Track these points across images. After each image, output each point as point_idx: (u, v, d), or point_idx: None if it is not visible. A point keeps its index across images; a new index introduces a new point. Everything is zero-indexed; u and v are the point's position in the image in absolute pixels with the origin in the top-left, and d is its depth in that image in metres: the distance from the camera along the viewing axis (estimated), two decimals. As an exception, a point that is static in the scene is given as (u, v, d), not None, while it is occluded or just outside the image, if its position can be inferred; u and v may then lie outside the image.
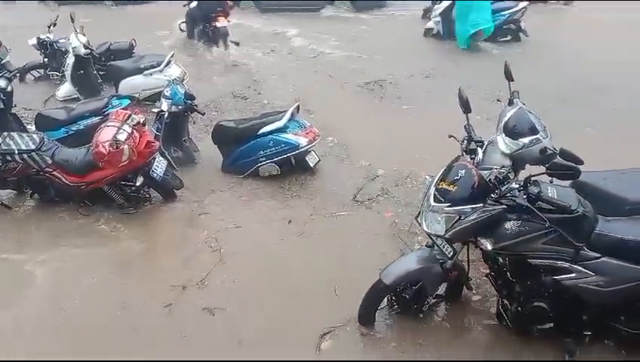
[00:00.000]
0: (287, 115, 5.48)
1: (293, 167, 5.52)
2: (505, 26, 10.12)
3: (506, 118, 3.85)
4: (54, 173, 4.82)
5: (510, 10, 10.14)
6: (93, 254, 4.34)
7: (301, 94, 7.60)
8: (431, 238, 3.22)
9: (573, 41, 10.05)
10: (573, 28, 11.59)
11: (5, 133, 4.96)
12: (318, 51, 10.49)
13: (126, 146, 4.57)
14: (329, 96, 7.87)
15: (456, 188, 2.99)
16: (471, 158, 3.42)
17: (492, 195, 2.93)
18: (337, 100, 7.73)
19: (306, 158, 5.51)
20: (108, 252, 4.38)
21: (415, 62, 9.43)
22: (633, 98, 7.34)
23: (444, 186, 3.03)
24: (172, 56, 7.44)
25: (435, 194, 3.04)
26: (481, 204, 2.91)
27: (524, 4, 10.16)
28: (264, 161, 5.45)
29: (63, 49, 8.03)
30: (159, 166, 4.96)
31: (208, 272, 4.01)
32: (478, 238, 2.97)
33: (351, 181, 5.37)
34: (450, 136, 3.59)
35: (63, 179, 4.81)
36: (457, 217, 2.95)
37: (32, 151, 4.80)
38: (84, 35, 7.63)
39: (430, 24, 10.91)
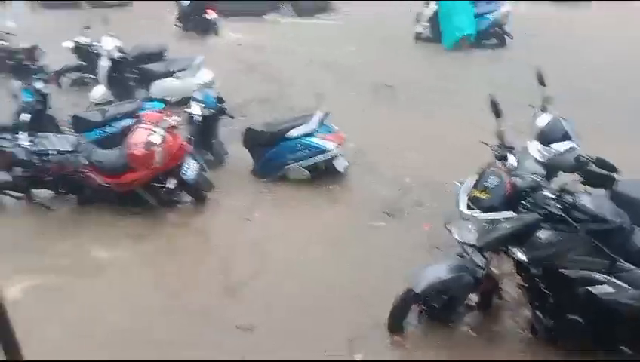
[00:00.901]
0: (316, 119, 5.50)
1: (323, 171, 5.54)
2: (490, 30, 10.26)
3: (539, 125, 3.81)
4: (89, 173, 4.94)
5: (493, 14, 10.23)
6: (128, 256, 4.42)
7: (315, 97, 7.65)
8: (462, 246, 3.19)
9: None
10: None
11: (42, 134, 5.10)
12: (310, 52, 10.58)
13: (158, 149, 4.66)
14: (341, 98, 7.75)
15: (488, 195, 2.96)
16: (503, 165, 3.37)
17: (525, 204, 2.89)
18: (352, 104, 7.64)
19: (335, 163, 5.52)
20: (143, 254, 4.45)
21: (414, 66, 9.57)
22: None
23: (476, 194, 3.00)
24: (202, 60, 7.55)
25: (466, 202, 3.01)
26: (514, 213, 2.87)
27: (508, 8, 10.25)
28: (293, 164, 5.49)
29: (98, 52, 8.21)
30: (190, 168, 5.03)
31: (242, 278, 4.03)
32: (511, 248, 2.93)
33: (380, 189, 5.33)
34: (481, 142, 3.54)
35: (98, 180, 4.92)
36: (489, 225, 2.92)
37: (69, 152, 4.93)
38: (117, 38, 7.80)
39: (419, 28, 11.07)
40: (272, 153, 5.56)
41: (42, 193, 5.27)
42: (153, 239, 4.68)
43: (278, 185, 5.51)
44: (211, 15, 12.51)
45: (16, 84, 5.48)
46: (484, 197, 2.96)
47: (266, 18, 14.48)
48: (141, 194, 4.99)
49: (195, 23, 12.61)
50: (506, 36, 10.41)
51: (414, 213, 4.90)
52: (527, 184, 2.93)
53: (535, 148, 3.74)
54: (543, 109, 4.23)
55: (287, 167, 5.50)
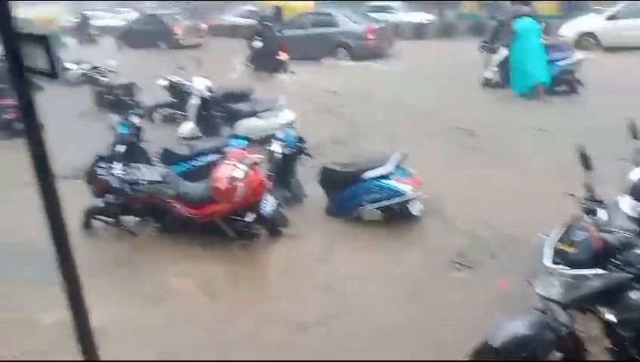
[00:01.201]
0: (392, 162, 5.52)
1: (397, 214, 5.50)
2: (561, 77, 10.04)
3: (632, 179, 3.60)
4: (175, 204, 5.20)
5: (566, 61, 10.05)
6: (203, 286, 4.56)
7: (389, 138, 7.80)
8: (544, 302, 3.03)
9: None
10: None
11: (135, 165, 5.47)
12: (378, 94, 10.76)
13: (241, 183, 4.85)
14: (415, 141, 7.75)
15: (575, 250, 2.81)
16: (592, 219, 3.21)
17: (615, 261, 2.72)
18: (426, 147, 7.53)
19: (410, 206, 5.47)
20: (217, 285, 4.59)
21: (486, 111, 9.41)
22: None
23: (562, 247, 2.86)
24: (284, 101, 7.85)
25: (551, 255, 2.88)
26: (603, 270, 2.71)
27: (580, 56, 10.13)
28: (367, 205, 5.49)
29: (189, 91, 8.77)
30: (268, 204, 5.18)
31: (316, 316, 4.04)
32: (598, 307, 2.75)
33: (455, 238, 5.14)
34: (568, 194, 3.39)
35: (182, 210, 5.17)
36: (576, 282, 2.77)
37: (158, 182, 5.24)
38: (208, 78, 8.30)
39: (488, 73, 11.01)
40: (348, 193, 5.61)
41: (129, 219, 5.60)
42: (228, 270, 4.83)
43: (352, 225, 5.52)
44: (283, 56, 13.43)
45: (115, 117, 5.94)
46: (570, 251, 2.82)
47: (323, 62, 15.01)
48: (220, 225, 5.18)
49: (266, 63, 13.52)
50: (578, 85, 10.15)
51: (489, 266, 4.66)
52: (618, 240, 2.76)
53: (627, 204, 3.52)
54: (637, 163, 4.01)
55: (361, 208, 5.52)
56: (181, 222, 5.27)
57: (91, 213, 5.60)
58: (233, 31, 21.96)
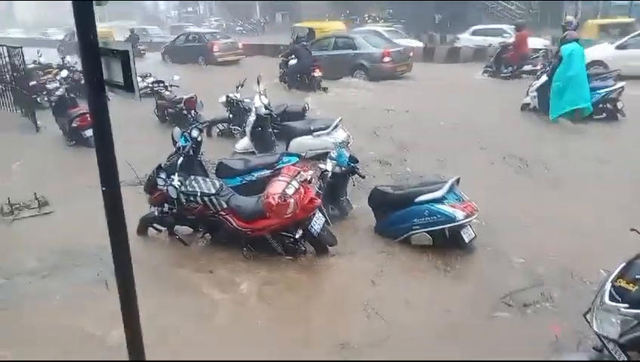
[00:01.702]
0: (447, 186, 5.43)
1: (447, 239, 5.41)
2: (600, 105, 10.02)
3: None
4: (227, 216, 5.33)
5: (607, 89, 9.99)
6: (249, 300, 4.64)
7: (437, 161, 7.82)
8: (601, 340, 2.90)
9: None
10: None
11: (192, 177, 5.65)
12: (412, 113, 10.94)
13: (292, 200, 4.92)
14: (464, 165, 7.59)
15: (637, 288, 2.69)
16: (656, 257, 3.06)
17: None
18: (476, 172, 7.27)
19: (462, 232, 5.36)
20: (262, 300, 4.64)
21: (524, 137, 9.21)
22: None
23: (623, 284, 2.75)
24: (340, 121, 7.92)
25: (610, 292, 2.77)
26: (668, 311, 2.58)
27: (622, 83, 9.98)
28: (418, 229, 5.43)
29: (247, 108, 9.01)
30: (318, 222, 5.21)
31: (362, 338, 4.01)
32: (661, 350, 2.62)
33: (505, 273, 4.94)
34: (632, 230, 3.26)
35: (234, 223, 5.29)
36: (636, 321, 2.65)
37: (212, 195, 5.38)
38: (266, 96, 8.51)
39: (527, 99, 10.97)
40: (398, 216, 5.55)
41: (181, 229, 5.79)
42: (274, 285, 4.85)
43: (399, 247, 5.45)
44: (317, 74, 14.19)
45: (177, 130, 6.18)
46: (632, 289, 2.70)
47: (343, 81, 15.65)
48: (269, 240, 5.26)
49: (301, 80, 14.27)
50: (619, 113, 10.07)
51: (542, 308, 4.37)
52: (684, 281, 2.63)
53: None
54: None
55: (411, 231, 5.46)
56: (231, 235, 5.38)
57: (147, 221, 5.82)
58: (264, 49, 23.82)
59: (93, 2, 2.52)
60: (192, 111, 10.51)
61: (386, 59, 15.86)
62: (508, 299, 4.45)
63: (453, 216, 5.28)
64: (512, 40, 15.90)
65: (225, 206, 5.34)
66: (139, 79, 13.61)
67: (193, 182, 5.52)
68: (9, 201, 6.67)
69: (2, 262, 5.28)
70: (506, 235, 5.60)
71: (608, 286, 2.83)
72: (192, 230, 5.83)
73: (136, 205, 5.65)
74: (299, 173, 5.16)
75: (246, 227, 5.23)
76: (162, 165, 5.74)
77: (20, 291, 4.83)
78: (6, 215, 6.56)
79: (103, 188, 2.68)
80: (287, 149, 7.73)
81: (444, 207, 5.35)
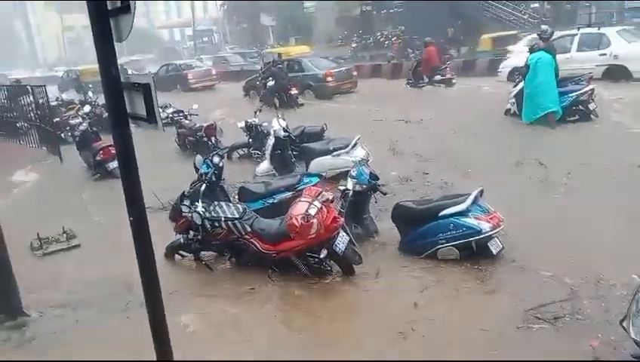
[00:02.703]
0: (470, 199, 5.38)
1: (474, 252, 5.34)
2: (573, 107, 10.52)
3: None
4: (251, 240, 5.36)
5: (577, 92, 10.48)
6: (275, 323, 4.64)
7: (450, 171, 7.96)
8: (639, 347, 2.82)
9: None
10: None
11: (215, 202, 5.71)
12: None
13: (315, 220, 4.92)
14: (479, 174, 7.60)
15: (674, 292, 2.62)
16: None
17: None
18: (492, 182, 6.96)
19: (489, 244, 5.28)
20: (288, 322, 4.64)
21: (526, 143, 9.43)
22: None
23: (660, 289, 2.68)
24: (358, 139, 7.95)
25: (647, 297, 2.70)
26: None
27: (592, 86, 10.54)
28: (444, 243, 5.37)
29: (266, 131, 9.12)
30: (342, 241, 5.19)
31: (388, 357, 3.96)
32: None
33: (534, 285, 4.78)
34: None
35: (258, 246, 5.31)
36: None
37: (236, 219, 5.43)
38: (284, 120, 8.61)
39: (508, 105, 11.62)
40: (423, 231, 5.50)
41: (207, 254, 5.83)
42: (302, 306, 4.86)
43: (426, 263, 5.38)
44: (294, 92, 15.73)
45: (199, 158, 6.26)
46: (669, 293, 2.63)
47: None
48: (294, 261, 5.26)
49: (279, 99, 14.75)
50: (592, 114, 10.53)
51: (574, 322, 4.18)
52: None
53: None
54: None
55: (437, 246, 5.40)
56: (257, 258, 5.40)
57: (173, 249, 5.89)
58: (237, 75, 24.93)
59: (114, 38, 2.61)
60: (213, 138, 10.66)
61: (329, 78, 17.59)
62: (537, 313, 4.31)
63: (479, 229, 5.22)
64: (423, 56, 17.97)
65: (249, 229, 5.37)
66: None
67: (217, 208, 5.58)
68: (38, 236, 6.81)
69: (35, 295, 5.36)
70: (534, 242, 5.49)
71: (644, 291, 2.76)
72: (217, 254, 5.87)
73: (161, 232, 5.75)
74: (320, 193, 5.18)
75: (270, 249, 5.25)
76: (186, 192, 5.83)
77: (52, 324, 4.90)
78: (36, 249, 6.69)
79: (131, 219, 2.74)
80: (307, 170, 7.77)
81: (470, 220, 5.29)
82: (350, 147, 7.85)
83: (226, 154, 8.05)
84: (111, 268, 5.71)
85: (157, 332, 2.94)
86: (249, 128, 9.76)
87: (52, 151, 12.11)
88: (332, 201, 5.30)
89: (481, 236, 5.21)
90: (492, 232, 5.22)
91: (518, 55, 16.40)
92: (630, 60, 13.69)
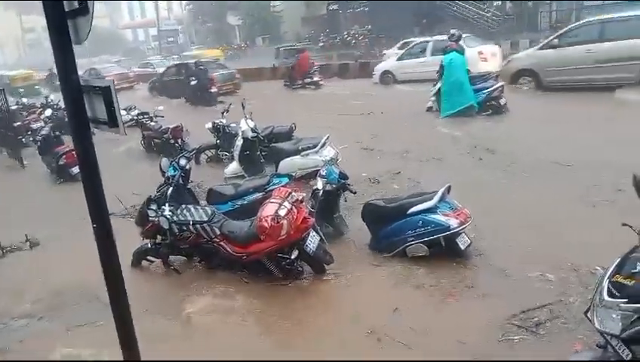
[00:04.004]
0: (438, 196, 5.44)
1: (443, 249, 5.41)
2: (487, 103, 11.59)
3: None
4: (221, 243, 5.30)
5: (489, 89, 11.57)
6: (251, 322, 4.61)
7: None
8: (604, 337, 2.90)
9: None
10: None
11: (183, 206, 5.62)
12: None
13: (285, 221, 4.90)
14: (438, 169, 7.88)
15: (634, 282, 2.70)
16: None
17: (680, 293, 2.60)
18: (450, 175, 7.20)
19: (457, 241, 5.36)
20: (258, 324, 4.61)
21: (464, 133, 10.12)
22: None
23: (620, 280, 2.76)
24: (327, 138, 7.95)
25: (609, 288, 2.77)
26: (667, 303, 2.59)
27: (501, 83, 11.73)
28: (412, 240, 5.41)
29: (233, 132, 9.04)
30: (312, 241, 5.19)
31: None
32: (664, 342, 2.62)
33: (506, 286, 4.72)
34: (623, 225, 3.27)
35: (228, 249, 5.26)
36: (636, 316, 2.65)
37: (205, 222, 5.36)
38: (252, 120, 8.54)
39: (429, 103, 12.66)
40: (392, 229, 5.54)
41: (176, 258, 5.73)
42: (270, 307, 4.80)
43: (395, 260, 5.42)
44: (213, 90, 17.57)
45: (165, 160, 6.16)
46: (630, 284, 2.71)
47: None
48: (265, 263, 5.23)
49: (201, 97, 17.11)
50: (503, 108, 11.63)
51: (553, 327, 4.06)
52: (681, 271, 2.64)
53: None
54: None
55: (407, 243, 5.44)
56: (226, 260, 5.35)
57: (141, 255, 5.77)
58: (151, 76, 25.21)
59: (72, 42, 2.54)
60: (179, 140, 10.51)
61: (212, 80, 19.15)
62: (514, 321, 4.19)
63: (448, 225, 5.28)
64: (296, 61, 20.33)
65: (218, 232, 5.31)
66: (123, 112, 13.75)
67: (185, 211, 5.50)
68: (0, 244, 6.59)
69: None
70: (500, 240, 5.59)
71: (606, 282, 2.83)
72: (186, 259, 5.78)
73: (128, 238, 5.63)
74: (290, 193, 5.16)
75: (241, 252, 5.20)
76: (152, 196, 5.72)
77: (17, 335, 4.75)
78: (-4, 258, 6.48)
79: (94, 225, 2.67)
80: (276, 170, 7.74)
81: (438, 217, 5.35)
82: (319, 146, 7.84)
83: (193, 156, 7.93)
84: (77, 275, 5.55)
85: (124, 337, 2.88)
86: (216, 129, 9.65)
87: (13, 156, 11.78)
88: (302, 201, 5.29)
89: (450, 232, 5.28)
90: (460, 228, 5.29)
91: (389, 59, 20.18)
92: (470, 63, 14.92)
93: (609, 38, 12.34)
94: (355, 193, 6.35)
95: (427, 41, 18.24)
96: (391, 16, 28.72)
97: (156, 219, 5.42)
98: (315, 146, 7.86)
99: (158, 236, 5.57)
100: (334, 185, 6.00)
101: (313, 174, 6.50)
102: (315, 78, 19.41)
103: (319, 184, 5.92)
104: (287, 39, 38.73)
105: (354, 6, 34.41)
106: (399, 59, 18.67)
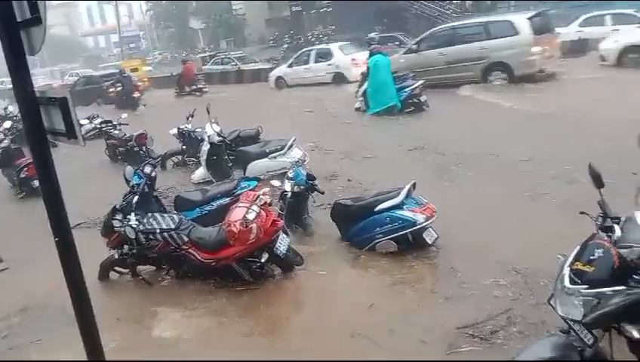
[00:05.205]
0: (404, 193, 5.53)
1: (411, 244, 5.48)
2: (409, 100, 12.30)
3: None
4: (190, 250, 5.24)
5: (411, 88, 12.29)
6: (223, 328, 4.57)
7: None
8: (567, 323, 2.99)
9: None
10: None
11: (150, 214, 5.53)
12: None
13: (254, 225, 4.89)
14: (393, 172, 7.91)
15: (593, 268, 2.79)
16: (607, 236, 3.18)
17: (635, 276, 2.69)
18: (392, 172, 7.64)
19: (424, 235, 5.45)
20: (227, 330, 4.57)
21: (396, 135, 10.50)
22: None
23: (580, 267, 2.84)
24: (294, 140, 7.97)
25: (570, 276, 2.86)
26: (624, 286, 2.68)
27: (420, 82, 12.42)
28: (381, 237, 5.48)
29: (199, 137, 8.95)
30: (282, 243, 5.18)
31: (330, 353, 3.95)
32: (622, 324, 2.71)
33: (465, 294, 4.58)
34: (581, 213, 3.38)
35: (197, 256, 5.20)
36: (596, 301, 2.74)
37: (172, 230, 5.29)
38: (218, 124, 8.48)
39: (357, 103, 13.40)
40: (361, 227, 5.61)
41: (145, 268, 5.64)
42: (240, 311, 4.79)
43: (365, 257, 5.47)
44: (137, 95, 19.18)
45: (129, 169, 6.08)
46: (589, 270, 2.80)
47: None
48: (235, 268, 5.20)
49: (126, 101, 18.85)
50: (424, 105, 12.28)
51: (511, 338, 3.92)
52: (636, 255, 2.74)
53: (642, 218, 3.50)
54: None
55: (375, 240, 5.50)
56: (196, 268, 5.29)
57: (108, 266, 5.66)
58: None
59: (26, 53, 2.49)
60: (144, 148, 10.35)
61: (111, 89, 20.63)
62: (470, 330, 4.05)
63: (414, 220, 5.37)
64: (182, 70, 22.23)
65: (186, 239, 5.25)
66: (86, 121, 13.48)
67: (151, 220, 5.41)
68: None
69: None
70: (461, 241, 5.55)
71: (567, 270, 2.92)
72: (155, 268, 5.70)
73: (98, 250, 5.56)
74: (258, 197, 5.14)
75: (210, 258, 5.15)
76: (117, 206, 5.61)
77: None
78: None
79: (56, 239, 2.62)
80: (244, 174, 7.71)
81: (404, 213, 5.44)
82: (286, 148, 7.86)
83: (159, 163, 7.82)
84: (42, 290, 5.41)
85: (90, 350, 2.83)
86: (182, 135, 9.54)
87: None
88: (270, 204, 5.28)
89: (417, 227, 5.36)
90: (426, 223, 5.38)
91: (281, 65, 22.04)
92: (346, 69, 18.46)
93: (456, 43, 14.47)
94: (323, 193, 6.38)
95: (311, 50, 20.66)
96: (354, 15, 28.93)
97: (122, 229, 5.32)
98: (282, 148, 7.88)
99: (125, 246, 5.47)
100: (302, 187, 6.02)
101: (282, 176, 6.50)
102: (200, 86, 21.22)
103: (287, 186, 5.94)
104: (252, 41, 38.57)
105: (317, 7, 34.51)
106: (289, 65, 20.59)
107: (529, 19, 13.68)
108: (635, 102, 9.56)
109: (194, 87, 21.16)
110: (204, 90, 21.11)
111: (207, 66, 28.31)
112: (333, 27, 31.96)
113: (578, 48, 17.14)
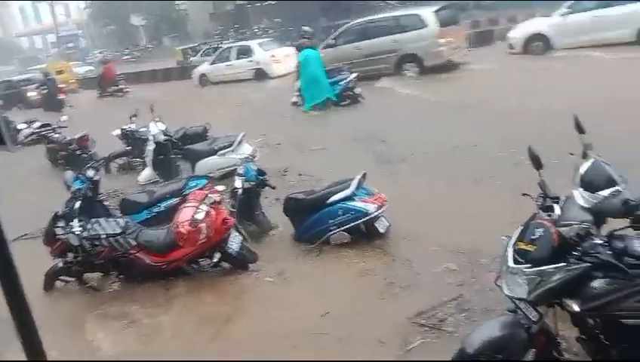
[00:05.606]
0: (354, 183, 5.55)
1: (364, 233, 5.52)
2: (344, 93, 12.43)
3: (581, 172, 3.73)
4: (138, 254, 5.09)
5: (346, 80, 12.42)
6: (178, 328, 4.49)
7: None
8: (513, 302, 3.07)
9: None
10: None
11: (93, 220, 5.33)
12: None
13: (204, 224, 4.79)
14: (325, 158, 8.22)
15: (535, 247, 2.87)
16: (548, 216, 3.29)
17: (574, 253, 2.80)
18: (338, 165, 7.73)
19: (376, 224, 5.50)
20: (185, 331, 4.49)
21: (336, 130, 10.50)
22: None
23: (522, 246, 2.92)
24: (243, 136, 7.86)
25: (513, 256, 2.94)
26: (564, 263, 2.78)
27: (354, 75, 12.59)
28: (335, 229, 5.49)
29: (144, 137, 8.68)
30: (234, 241, 5.12)
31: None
32: (564, 299, 2.81)
33: (414, 280, 4.68)
34: (523, 195, 3.48)
35: (146, 260, 5.07)
36: (539, 278, 2.82)
37: (118, 234, 5.12)
38: (162, 123, 8.25)
39: (294, 98, 13.19)
40: (314, 220, 5.59)
41: (92, 275, 5.45)
42: (195, 314, 4.71)
43: (318, 250, 5.47)
44: (62, 96, 19.78)
45: (69, 173, 5.83)
46: (531, 249, 2.88)
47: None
48: (187, 270, 5.09)
49: (51, 103, 19.12)
50: (359, 97, 12.43)
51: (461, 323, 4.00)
52: (574, 232, 2.84)
53: (580, 196, 3.63)
54: (584, 156, 4.16)
55: (329, 232, 5.51)
56: (145, 271, 5.15)
57: (53, 275, 5.43)
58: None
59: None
60: (86, 150, 9.97)
61: (35, 92, 21.32)
62: (421, 320, 4.10)
63: (366, 211, 5.41)
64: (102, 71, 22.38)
65: (134, 243, 5.10)
66: (24, 125, 12.89)
67: (95, 225, 5.22)
68: None
69: None
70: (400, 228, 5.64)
71: (510, 250, 3.00)
72: (103, 274, 5.51)
73: (37, 257, 5.35)
74: (207, 196, 5.04)
75: (160, 261, 5.03)
76: (59, 213, 5.38)
77: None
78: None
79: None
80: (193, 173, 7.55)
81: (356, 203, 5.47)
82: (235, 144, 7.75)
83: (102, 166, 7.54)
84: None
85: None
86: (125, 135, 9.23)
87: None
88: (220, 203, 5.19)
89: (369, 217, 5.40)
90: (378, 212, 5.43)
91: (203, 62, 22.24)
92: (266, 65, 19.29)
93: (371, 36, 15.09)
94: (274, 188, 6.34)
95: (231, 47, 21.19)
96: (299, 7, 28.82)
97: (65, 237, 5.11)
98: (231, 145, 7.75)
99: (69, 254, 5.25)
100: (253, 183, 5.94)
101: (232, 173, 6.40)
102: (121, 86, 21.34)
103: (238, 183, 5.85)
104: (196, 36, 37.79)
105: None
106: (212, 63, 20.97)
107: (435, 12, 14.36)
108: (543, 89, 10.31)
109: (115, 87, 21.30)
110: (125, 90, 21.27)
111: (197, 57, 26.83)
112: (279, 20, 31.74)
113: (484, 38, 18.44)
